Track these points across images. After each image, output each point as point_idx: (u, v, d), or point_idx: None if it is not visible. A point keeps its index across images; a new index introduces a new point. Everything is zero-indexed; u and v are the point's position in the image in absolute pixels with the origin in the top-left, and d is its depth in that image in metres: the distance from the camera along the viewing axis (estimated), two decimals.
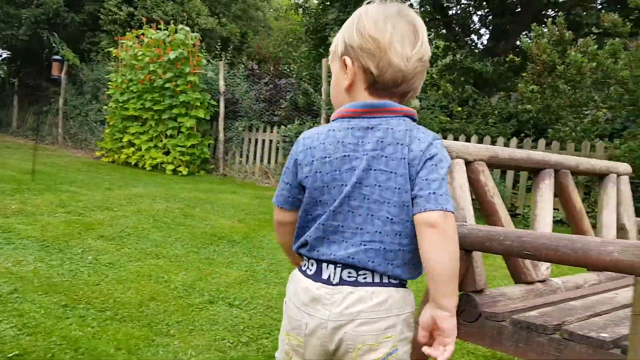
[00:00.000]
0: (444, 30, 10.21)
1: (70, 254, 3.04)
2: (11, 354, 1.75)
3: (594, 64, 5.23)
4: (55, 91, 12.46)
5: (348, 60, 1.01)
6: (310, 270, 1.03)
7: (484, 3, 9.14)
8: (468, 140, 6.70)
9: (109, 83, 9.24)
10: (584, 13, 7.87)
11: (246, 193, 6.73)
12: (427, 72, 8.40)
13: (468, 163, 1.45)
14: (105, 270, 2.82)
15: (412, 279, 1.02)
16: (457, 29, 9.99)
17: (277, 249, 3.65)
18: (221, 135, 8.85)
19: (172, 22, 10.00)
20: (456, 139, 6.81)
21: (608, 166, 1.98)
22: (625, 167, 2.05)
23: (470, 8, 9.72)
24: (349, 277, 0.99)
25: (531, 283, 1.49)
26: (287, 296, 1.08)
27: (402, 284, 1.01)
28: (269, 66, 10.61)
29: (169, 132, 8.42)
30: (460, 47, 9.65)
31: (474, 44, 10.23)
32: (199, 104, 8.30)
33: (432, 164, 0.96)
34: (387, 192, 0.96)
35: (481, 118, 7.22)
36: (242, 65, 9.51)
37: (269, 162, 8.54)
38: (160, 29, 8.71)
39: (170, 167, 8.23)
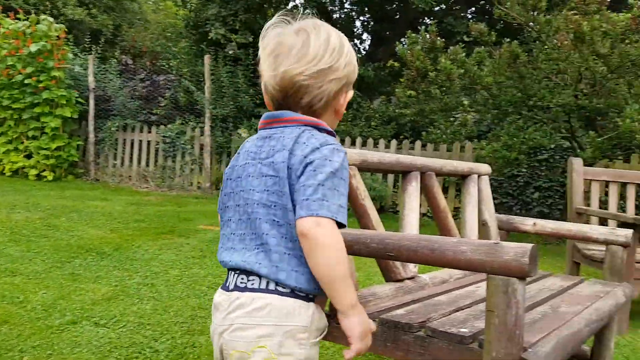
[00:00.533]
0: None
1: None
2: None
3: (462, 70, 5.68)
4: None
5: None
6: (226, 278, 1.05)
7: (366, 9, 9.56)
8: (353, 142, 6.99)
9: None
10: (455, 22, 8.58)
11: (120, 199, 6.27)
12: None
13: None
14: None
15: (308, 290, 0.98)
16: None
17: (152, 260, 3.45)
18: (91, 136, 8.16)
19: (34, 12, 9.00)
20: (342, 141, 7.05)
21: (470, 167, 2.11)
22: (485, 167, 2.18)
23: (353, 13, 10.11)
24: (240, 283, 1.00)
25: (401, 281, 1.55)
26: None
27: (294, 293, 0.98)
28: (145, 61, 10.02)
29: (30, 134, 7.56)
30: None
31: (356, 48, 10.65)
32: (65, 102, 7.57)
33: (311, 169, 0.95)
34: (274, 195, 0.98)
35: (364, 121, 7.55)
36: (115, 60, 8.84)
37: (147, 164, 8.06)
38: (19, 19, 7.78)
39: (34, 172, 7.40)
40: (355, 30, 10.47)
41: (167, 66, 9.02)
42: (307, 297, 0.99)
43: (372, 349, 1.23)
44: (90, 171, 8.19)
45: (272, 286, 0.97)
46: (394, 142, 6.80)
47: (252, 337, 0.95)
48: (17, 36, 7.58)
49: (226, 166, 7.26)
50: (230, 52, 7.75)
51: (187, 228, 4.68)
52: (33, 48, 7.28)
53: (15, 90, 7.52)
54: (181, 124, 7.87)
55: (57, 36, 7.61)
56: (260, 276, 0.97)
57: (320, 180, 0.94)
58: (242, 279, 0.99)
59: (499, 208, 5.85)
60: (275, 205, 0.98)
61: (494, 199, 6.77)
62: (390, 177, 6.69)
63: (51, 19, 7.69)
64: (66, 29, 7.97)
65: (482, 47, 5.92)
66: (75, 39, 9.41)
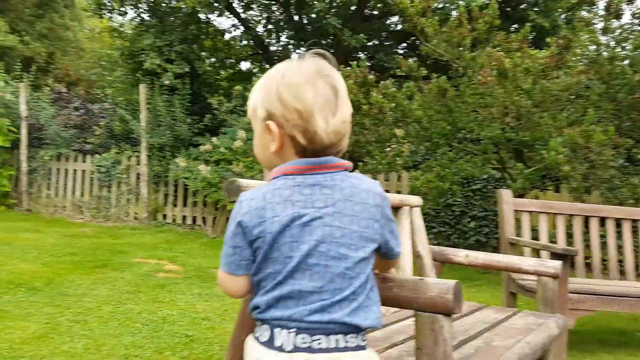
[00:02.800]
0: (267, 65, 10.78)
1: None
2: None
3: (393, 104, 5.95)
4: None
5: (273, 126, 0.98)
6: (263, 336, 0.96)
7: (302, 42, 9.93)
8: None
9: None
10: (387, 57, 9.06)
11: (54, 231, 6.13)
12: None
13: None
14: None
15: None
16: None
17: (85, 295, 3.46)
18: (24, 165, 7.89)
19: None
20: None
21: (401, 199, 2.14)
22: (416, 199, 2.19)
23: (290, 46, 10.45)
24: (303, 343, 0.92)
25: None
26: None
27: (358, 348, 0.95)
28: (79, 89, 9.84)
29: None
30: None
31: None
32: None
33: (390, 216, 1.03)
34: (343, 248, 0.95)
35: None
36: (48, 88, 8.65)
37: (82, 194, 7.88)
38: None
39: None
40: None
41: (102, 95, 8.92)
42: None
43: None
44: (23, 202, 7.89)
45: (343, 343, 0.96)
46: None
47: None
48: None
49: (164, 196, 7.16)
50: (167, 82, 7.82)
51: (122, 261, 4.68)
52: None
53: None
54: (117, 153, 7.79)
55: None
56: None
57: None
58: (304, 338, 0.94)
59: (437, 237, 6.17)
60: (346, 259, 0.96)
61: (432, 228, 6.99)
62: None
63: None
64: None
65: (412, 82, 6.22)
66: (6, 66, 9.13)
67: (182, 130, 7.53)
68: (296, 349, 0.91)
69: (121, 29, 9.12)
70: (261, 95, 1.01)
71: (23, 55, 10.43)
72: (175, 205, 7.55)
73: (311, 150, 0.97)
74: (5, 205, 7.76)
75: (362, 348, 0.95)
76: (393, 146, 7.40)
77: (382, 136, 6.62)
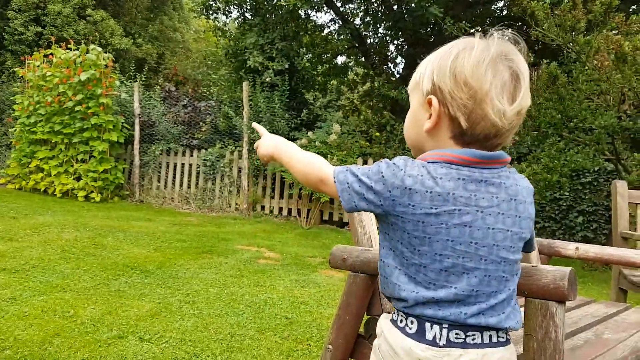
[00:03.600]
0: (362, 58, 10.70)
1: None
2: None
3: None
4: None
5: (435, 102, 0.90)
6: (410, 328, 0.92)
7: (400, 33, 9.71)
8: None
9: (15, 105, 8.65)
10: None
11: (163, 220, 6.54)
12: (348, 98, 8.61)
13: None
14: (6, 306, 2.63)
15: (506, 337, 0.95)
16: (375, 57, 10.51)
17: (193, 278, 3.61)
18: (137, 160, 8.55)
19: (83, 41, 9.60)
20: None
21: None
22: None
23: (387, 38, 10.27)
24: (456, 338, 0.89)
25: None
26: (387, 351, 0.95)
27: (503, 343, 0.92)
28: (187, 88, 10.45)
29: (80, 157, 8.00)
30: (378, 74, 10.14)
31: (390, 71, 10.79)
32: (111, 127, 7.99)
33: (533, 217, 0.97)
34: (504, 251, 0.89)
35: (398, 143, 7.61)
36: (158, 87, 9.30)
37: (189, 186, 8.37)
38: (70, 49, 8.33)
39: (82, 193, 7.80)
40: (389, 54, 10.63)
41: (207, 93, 9.39)
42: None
43: None
44: (135, 193, 8.56)
45: (495, 338, 0.92)
46: None
47: None
48: (68, 65, 8.11)
49: (262, 188, 7.33)
50: (267, 80, 8.02)
51: (226, 248, 4.85)
52: (83, 76, 7.76)
53: (66, 116, 8.00)
54: (220, 148, 8.16)
55: (105, 65, 8.08)
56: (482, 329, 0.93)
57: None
58: (458, 334, 0.90)
59: (541, 232, 5.78)
60: (505, 262, 0.90)
61: (536, 223, 6.60)
62: None
63: (99, 49, 8.19)
64: (113, 58, 8.46)
65: None
66: (121, 68, 9.96)
67: (280, 125, 7.69)
68: (449, 344, 0.89)
69: (225, 28, 9.53)
70: (432, 67, 0.93)
71: (136, 56, 11.34)
72: (272, 198, 7.74)
73: (470, 136, 0.89)
74: (119, 196, 8.46)
75: (509, 342, 0.93)
76: None
77: None
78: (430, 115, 0.91)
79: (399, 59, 10.81)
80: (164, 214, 7.23)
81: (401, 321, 0.93)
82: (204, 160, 8.12)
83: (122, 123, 8.28)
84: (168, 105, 9.02)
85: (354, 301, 1.40)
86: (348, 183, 0.92)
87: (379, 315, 1.30)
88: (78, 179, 8.07)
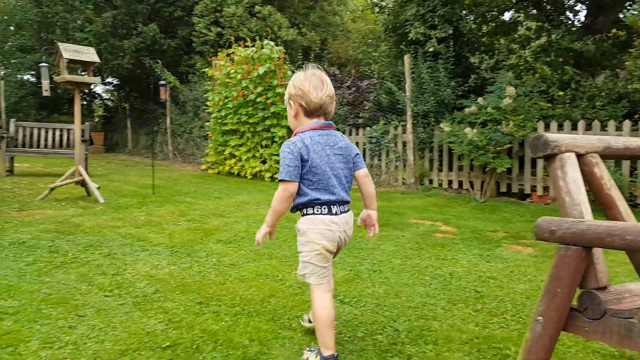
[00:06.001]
0: (534, 11, 9.77)
1: (197, 257, 3.43)
2: (164, 345, 2.06)
3: None
4: (162, 112, 13.69)
5: (291, 102, 1.94)
6: (324, 210, 1.90)
7: None
8: (574, 126, 6.34)
9: (208, 102, 9.98)
10: None
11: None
12: (520, 56, 7.91)
13: (580, 156, 1.45)
14: (228, 271, 3.14)
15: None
16: (548, 7, 9.51)
17: (375, 249, 3.81)
18: None
19: (257, 38, 10.54)
20: (560, 126, 6.47)
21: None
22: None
23: None
24: (344, 208, 1.95)
25: None
26: (316, 229, 1.89)
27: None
28: (349, 69, 10.78)
29: (264, 143, 8.92)
30: (554, 26, 9.17)
31: (569, 22, 9.66)
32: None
33: (357, 152, 2.02)
34: (343, 163, 1.94)
35: (587, 101, 6.81)
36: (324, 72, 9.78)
37: None
38: (247, 47, 9.25)
39: (268, 174, 8.71)
40: (566, 2, 9.50)
41: (369, 71, 9.59)
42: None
43: (634, 347, 1.21)
44: None
45: (348, 207, 2.00)
46: (627, 123, 5.95)
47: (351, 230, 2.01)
48: (248, 61, 9.02)
49: (429, 161, 7.28)
50: (430, 49, 7.86)
51: (400, 222, 4.99)
52: (261, 70, 8.57)
53: (249, 107, 8.96)
54: (384, 124, 8.30)
55: (278, 57, 8.80)
56: (348, 202, 1.98)
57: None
58: (342, 206, 1.94)
59: None
60: (343, 168, 1.94)
61: None
62: (626, 164, 5.95)
63: (272, 43, 8.93)
64: (284, 50, 9.15)
65: None
66: (290, 58, 10.70)
67: (446, 95, 7.50)
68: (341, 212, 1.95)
69: (383, 3, 9.56)
70: (288, 88, 1.97)
71: (302, 45, 12.05)
72: (440, 170, 7.64)
73: (309, 111, 1.93)
74: None
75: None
76: None
77: None
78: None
79: (578, 6, 9.60)
80: None
81: (317, 210, 1.91)
82: (369, 137, 8.36)
83: None
84: (334, 88, 9.46)
85: (565, 274, 1.36)
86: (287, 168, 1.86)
87: (595, 289, 1.27)
88: (264, 162, 9.01)
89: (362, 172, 1.99)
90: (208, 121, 10.30)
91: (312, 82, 1.89)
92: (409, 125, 7.75)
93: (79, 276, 2.92)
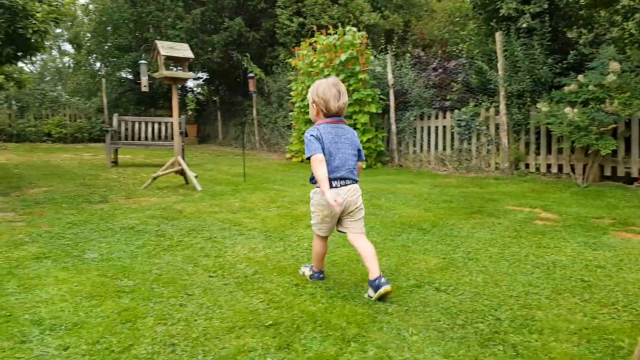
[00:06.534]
0: None
1: (289, 242, 3.53)
2: (267, 323, 2.14)
3: None
4: (249, 104, 14.22)
5: (314, 105, 2.57)
6: (335, 184, 2.51)
7: None
8: None
9: (291, 92, 10.17)
10: None
11: (424, 182, 6.80)
12: (624, 29, 7.17)
13: None
14: None
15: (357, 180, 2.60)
16: None
17: (469, 237, 3.69)
18: (393, 127, 9.06)
19: (339, 25, 10.53)
20: None
21: None
22: None
23: None
24: (345, 182, 2.53)
25: None
26: (320, 199, 2.57)
27: (357, 182, 2.60)
28: (435, 50, 10.44)
29: None
30: None
31: None
32: (370, 100, 8.64)
33: (360, 148, 2.66)
34: (349, 149, 2.56)
35: None
36: (408, 55, 9.54)
37: (444, 149, 8.46)
38: (329, 34, 9.27)
39: None
40: None
41: (456, 51, 9.22)
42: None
43: None
44: (394, 158, 9.12)
45: (353, 182, 2.59)
46: None
47: (360, 198, 2.61)
48: (330, 49, 9.04)
49: (525, 144, 6.87)
50: (524, 25, 7.37)
51: (495, 208, 4.77)
52: (343, 57, 8.56)
53: None
54: (475, 106, 7.96)
55: (360, 43, 8.72)
56: (352, 179, 2.57)
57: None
58: (346, 181, 2.53)
59: None
60: (349, 152, 2.56)
61: None
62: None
63: (354, 29, 8.87)
64: (367, 35, 9.06)
65: None
66: (372, 42, 10.58)
67: (542, 73, 7.02)
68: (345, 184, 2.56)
69: None
70: (310, 93, 2.59)
71: (384, 29, 11.85)
72: (537, 154, 7.19)
73: (327, 115, 2.56)
74: (381, 162, 9.12)
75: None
76: None
77: None
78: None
79: None
80: (423, 177, 7.52)
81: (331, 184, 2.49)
82: (458, 120, 8.06)
83: (379, 95, 8.85)
84: (418, 71, 9.21)
85: None
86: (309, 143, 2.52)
87: None
88: None
89: (360, 164, 2.68)
90: (292, 111, 10.51)
91: (332, 93, 2.50)
92: (502, 106, 7.36)
93: (185, 258, 3.12)
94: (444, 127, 8.41)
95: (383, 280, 2.41)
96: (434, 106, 8.71)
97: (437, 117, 8.55)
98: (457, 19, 10.27)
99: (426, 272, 2.88)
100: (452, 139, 8.30)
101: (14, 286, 2.57)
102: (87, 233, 3.76)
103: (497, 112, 7.55)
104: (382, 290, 2.37)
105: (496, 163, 7.62)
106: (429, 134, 8.70)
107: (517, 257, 3.16)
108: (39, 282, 2.63)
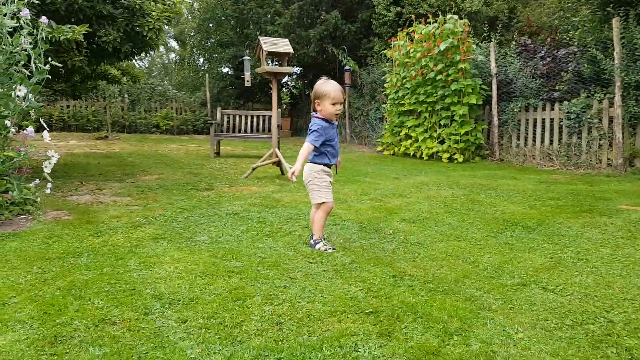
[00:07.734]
0: None
1: (384, 234, 3.55)
2: (367, 311, 2.19)
3: None
4: None
5: (317, 101, 3.09)
6: (325, 168, 3.16)
7: None
8: None
9: (385, 84, 10.10)
10: None
11: (528, 178, 6.44)
12: None
13: None
14: (416, 249, 3.18)
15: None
16: None
17: (579, 237, 3.46)
18: (495, 119, 8.65)
19: (438, 13, 10.24)
20: None
21: None
22: None
23: None
24: (333, 161, 3.20)
25: None
26: (319, 169, 3.16)
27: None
28: (544, 37, 9.78)
29: (442, 122, 8.70)
30: None
31: None
32: (470, 91, 8.32)
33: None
34: (337, 141, 3.21)
35: None
36: (513, 43, 9.03)
37: (551, 142, 7.93)
38: (429, 23, 9.05)
39: (446, 155, 8.49)
40: None
41: (567, 38, 8.57)
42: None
43: None
44: (495, 152, 8.72)
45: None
46: None
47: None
48: (428, 38, 8.83)
49: None
50: None
51: (607, 207, 4.41)
52: (442, 46, 8.32)
53: (428, 86, 8.80)
54: (586, 97, 7.36)
55: (462, 31, 8.42)
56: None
57: None
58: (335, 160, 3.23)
59: None
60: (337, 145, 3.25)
61: None
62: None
63: (456, 17, 8.57)
64: (469, 23, 8.71)
65: None
66: (474, 30, 10.15)
67: None
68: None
69: None
70: (314, 92, 3.14)
71: (488, 16, 11.31)
72: None
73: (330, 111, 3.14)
74: (480, 156, 8.76)
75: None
76: None
77: None
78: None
79: None
80: (527, 172, 7.12)
81: (325, 164, 3.19)
82: (567, 112, 7.51)
83: (480, 85, 8.50)
84: (525, 60, 8.69)
85: None
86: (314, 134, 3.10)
87: None
88: (442, 142, 8.81)
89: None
90: (384, 103, 10.44)
91: (336, 92, 3.06)
92: (617, 98, 6.74)
93: (285, 244, 3.27)
94: (552, 119, 7.88)
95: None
96: (540, 97, 8.19)
97: (544, 109, 8.03)
98: (569, 5, 9.51)
99: (532, 270, 2.75)
100: (560, 132, 7.75)
101: (136, 263, 2.86)
102: (197, 217, 4.06)
103: (611, 104, 6.92)
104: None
105: (608, 159, 7.00)
106: (534, 126, 8.20)
107: (632, 259, 2.91)
108: (157, 261, 2.90)
